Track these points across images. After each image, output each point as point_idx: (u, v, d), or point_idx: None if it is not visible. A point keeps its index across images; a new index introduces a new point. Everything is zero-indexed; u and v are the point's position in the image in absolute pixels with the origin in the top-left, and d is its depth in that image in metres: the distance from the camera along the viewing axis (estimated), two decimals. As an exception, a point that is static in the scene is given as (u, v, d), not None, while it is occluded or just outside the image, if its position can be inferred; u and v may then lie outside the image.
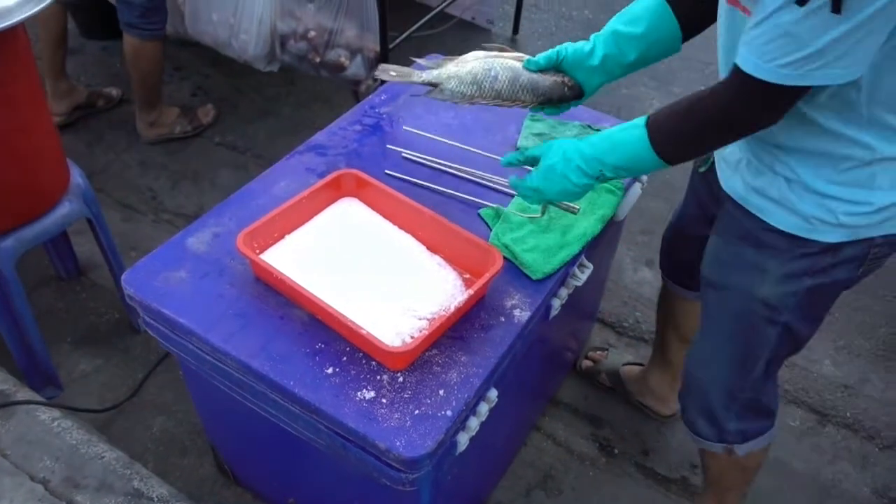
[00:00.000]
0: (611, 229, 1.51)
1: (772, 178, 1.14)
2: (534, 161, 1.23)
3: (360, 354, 1.17)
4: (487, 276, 1.21)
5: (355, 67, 2.31)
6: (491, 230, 1.38)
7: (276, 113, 2.85)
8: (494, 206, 1.42)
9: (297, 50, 2.34)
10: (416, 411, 1.10)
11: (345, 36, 2.35)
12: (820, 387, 2.08)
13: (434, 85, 1.26)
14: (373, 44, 2.38)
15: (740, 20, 1.01)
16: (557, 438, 1.93)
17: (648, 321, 2.17)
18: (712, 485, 1.60)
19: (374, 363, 1.16)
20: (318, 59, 2.30)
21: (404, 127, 1.57)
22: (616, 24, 1.24)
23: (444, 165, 1.50)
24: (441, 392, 1.13)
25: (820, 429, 1.99)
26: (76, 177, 1.79)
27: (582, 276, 1.40)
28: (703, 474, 1.62)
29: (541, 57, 1.25)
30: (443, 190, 1.45)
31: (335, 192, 1.38)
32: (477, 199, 1.44)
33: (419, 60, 1.31)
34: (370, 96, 1.68)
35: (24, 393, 1.70)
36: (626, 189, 1.50)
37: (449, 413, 1.10)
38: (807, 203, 1.11)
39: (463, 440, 1.15)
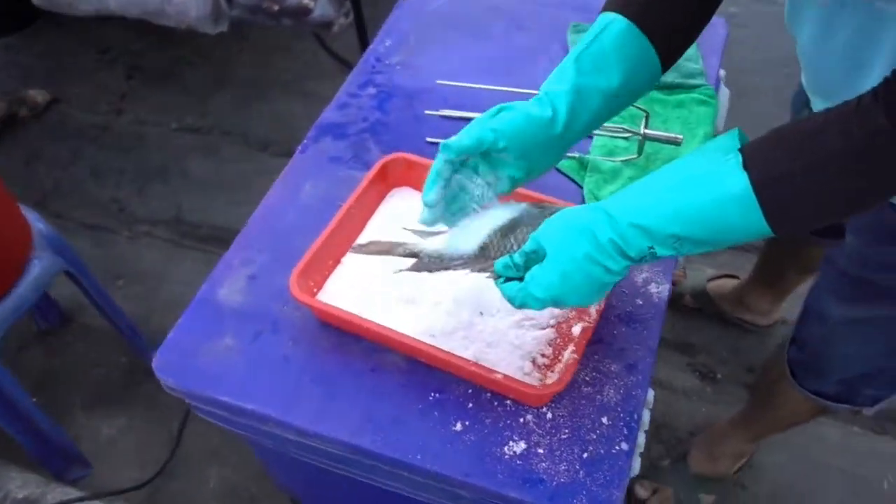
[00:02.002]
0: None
1: None
2: (535, 256, 0.76)
3: (487, 394, 0.91)
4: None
5: (322, 7, 1.93)
6: (581, 187, 1.11)
7: (231, 79, 2.46)
8: (575, 155, 1.14)
9: (249, 0, 1.95)
10: (585, 454, 0.86)
11: (299, -28, 1.96)
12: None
13: (417, 256, 0.89)
14: (334, -26, 1.99)
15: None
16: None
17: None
18: (766, 408, 1.40)
19: (507, 402, 0.90)
20: (276, 7, 1.91)
21: (437, 81, 1.26)
22: (576, 70, 0.79)
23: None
24: (604, 420, 0.89)
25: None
26: (35, 223, 1.45)
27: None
28: (757, 394, 1.43)
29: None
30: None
31: (382, 185, 1.08)
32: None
33: (406, 228, 0.93)
34: (372, 45, 1.35)
35: (55, 493, 1.43)
36: (716, 93, 1.23)
37: (625, 446, 0.87)
38: None
39: (636, 465, 0.92)
